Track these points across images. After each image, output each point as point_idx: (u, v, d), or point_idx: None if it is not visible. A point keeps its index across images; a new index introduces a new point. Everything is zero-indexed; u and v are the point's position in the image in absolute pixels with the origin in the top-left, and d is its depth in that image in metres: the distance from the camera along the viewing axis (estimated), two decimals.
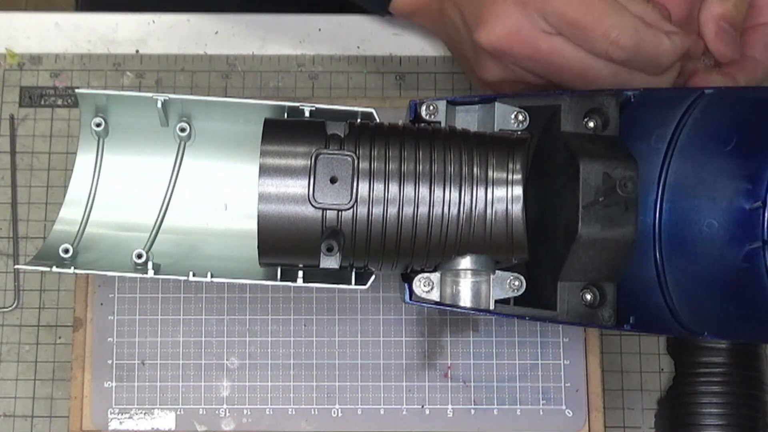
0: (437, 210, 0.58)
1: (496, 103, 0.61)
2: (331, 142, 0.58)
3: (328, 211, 0.58)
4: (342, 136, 0.59)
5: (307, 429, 0.69)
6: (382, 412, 0.70)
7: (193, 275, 0.61)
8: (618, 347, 0.72)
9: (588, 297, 0.60)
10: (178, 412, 0.69)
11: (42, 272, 0.71)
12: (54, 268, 0.60)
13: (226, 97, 0.69)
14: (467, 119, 0.63)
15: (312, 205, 0.57)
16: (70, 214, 0.65)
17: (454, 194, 0.58)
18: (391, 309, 0.71)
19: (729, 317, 0.57)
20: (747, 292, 0.55)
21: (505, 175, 0.59)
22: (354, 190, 0.57)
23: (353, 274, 0.62)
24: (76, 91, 0.63)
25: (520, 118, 0.61)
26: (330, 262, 0.58)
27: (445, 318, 0.71)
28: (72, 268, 0.61)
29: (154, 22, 0.77)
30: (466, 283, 0.60)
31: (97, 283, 0.70)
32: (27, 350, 0.71)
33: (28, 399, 0.71)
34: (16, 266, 0.70)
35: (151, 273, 0.61)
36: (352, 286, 0.62)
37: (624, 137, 0.60)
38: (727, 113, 0.58)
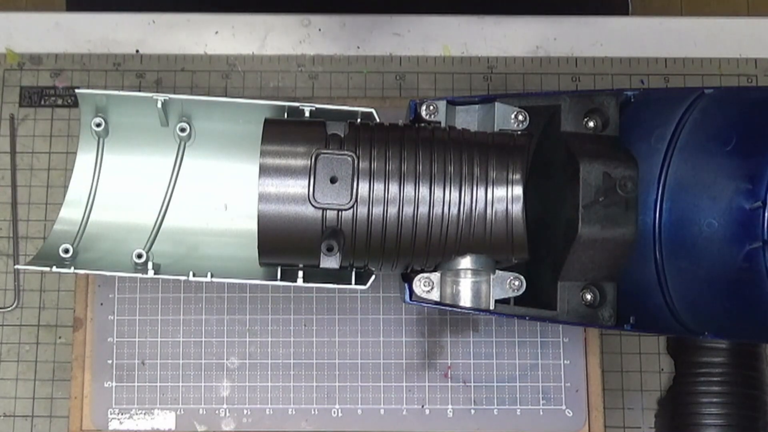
0: (437, 210, 0.58)
1: (496, 103, 0.61)
2: (331, 142, 0.58)
3: (328, 211, 0.58)
4: (342, 136, 0.58)
5: (307, 429, 0.69)
6: (382, 412, 0.70)
7: (193, 275, 0.61)
8: (618, 347, 0.72)
9: (588, 297, 0.60)
10: (178, 412, 0.69)
11: (42, 272, 0.71)
12: (54, 268, 0.60)
13: (226, 97, 0.69)
14: (467, 119, 0.63)
15: (312, 205, 0.57)
16: (70, 214, 0.65)
17: (454, 194, 0.58)
18: (391, 309, 0.71)
19: (729, 317, 0.57)
20: (747, 292, 0.55)
21: (505, 174, 0.59)
22: (354, 190, 0.57)
23: (353, 274, 0.62)
24: (76, 91, 0.63)
25: (520, 118, 0.61)
26: (330, 262, 0.58)
27: (445, 318, 0.71)
28: (72, 268, 0.61)
29: (154, 22, 0.77)
30: (466, 283, 0.60)
31: (97, 283, 0.70)
32: (27, 350, 0.71)
33: (28, 399, 0.71)
34: (16, 266, 0.70)
35: (151, 273, 0.61)
36: (352, 286, 0.62)
37: (624, 137, 0.60)
38: (727, 113, 0.58)
